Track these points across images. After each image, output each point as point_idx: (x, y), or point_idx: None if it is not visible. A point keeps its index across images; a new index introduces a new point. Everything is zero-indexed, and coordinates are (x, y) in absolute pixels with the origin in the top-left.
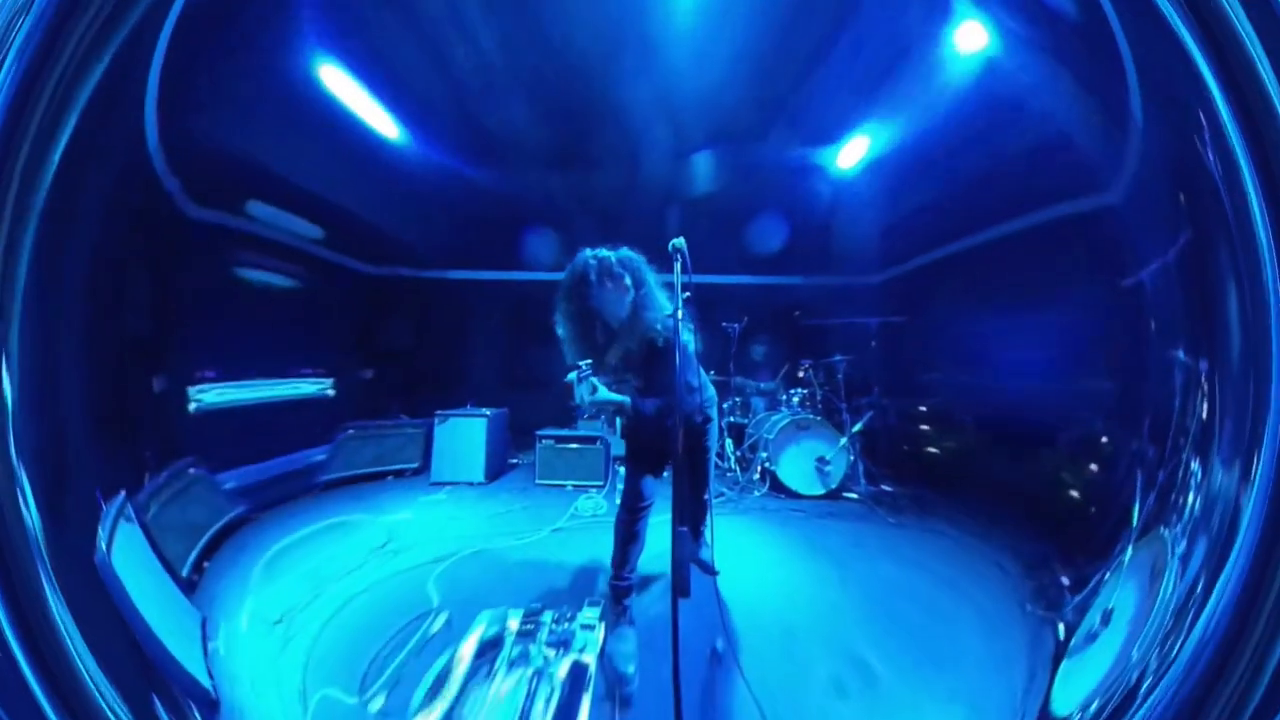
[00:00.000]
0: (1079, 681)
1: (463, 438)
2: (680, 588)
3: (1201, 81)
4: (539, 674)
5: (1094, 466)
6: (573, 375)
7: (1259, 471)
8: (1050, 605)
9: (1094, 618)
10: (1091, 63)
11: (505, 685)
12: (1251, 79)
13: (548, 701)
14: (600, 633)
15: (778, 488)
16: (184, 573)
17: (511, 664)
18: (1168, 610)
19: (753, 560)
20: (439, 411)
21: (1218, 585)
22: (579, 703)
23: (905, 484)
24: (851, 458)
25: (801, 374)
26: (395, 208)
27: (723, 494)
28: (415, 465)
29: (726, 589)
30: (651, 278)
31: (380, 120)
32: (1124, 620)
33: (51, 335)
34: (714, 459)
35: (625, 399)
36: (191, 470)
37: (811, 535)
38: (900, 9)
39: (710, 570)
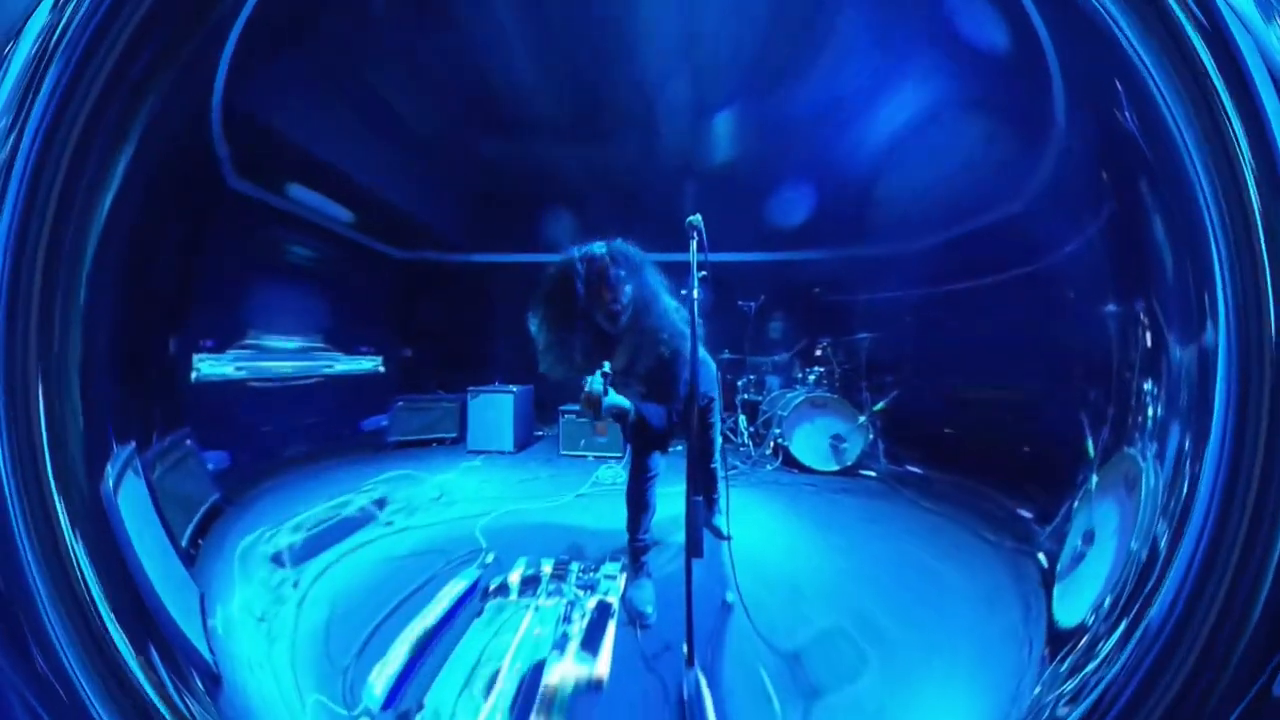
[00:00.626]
0: (1080, 592)
1: (492, 412)
2: (694, 550)
3: (1120, 50)
4: (571, 604)
5: (1049, 413)
6: (596, 379)
7: (1220, 341)
8: (1023, 539)
9: (1075, 541)
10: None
11: (547, 603)
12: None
13: (581, 619)
14: (621, 581)
15: (790, 463)
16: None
17: (549, 594)
18: (1157, 497)
19: (764, 528)
20: (470, 388)
21: (1206, 453)
22: (606, 624)
23: (932, 464)
24: (870, 436)
25: (819, 352)
26: (422, 192)
27: (736, 467)
28: (454, 435)
29: (737, 552)
30: (652, 274)
31: (404, 103)
32: (1109, 531)
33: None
34: (719, 432)
35: (629, 406)
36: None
37: (822, 508)
38: None
39: (722, 536)
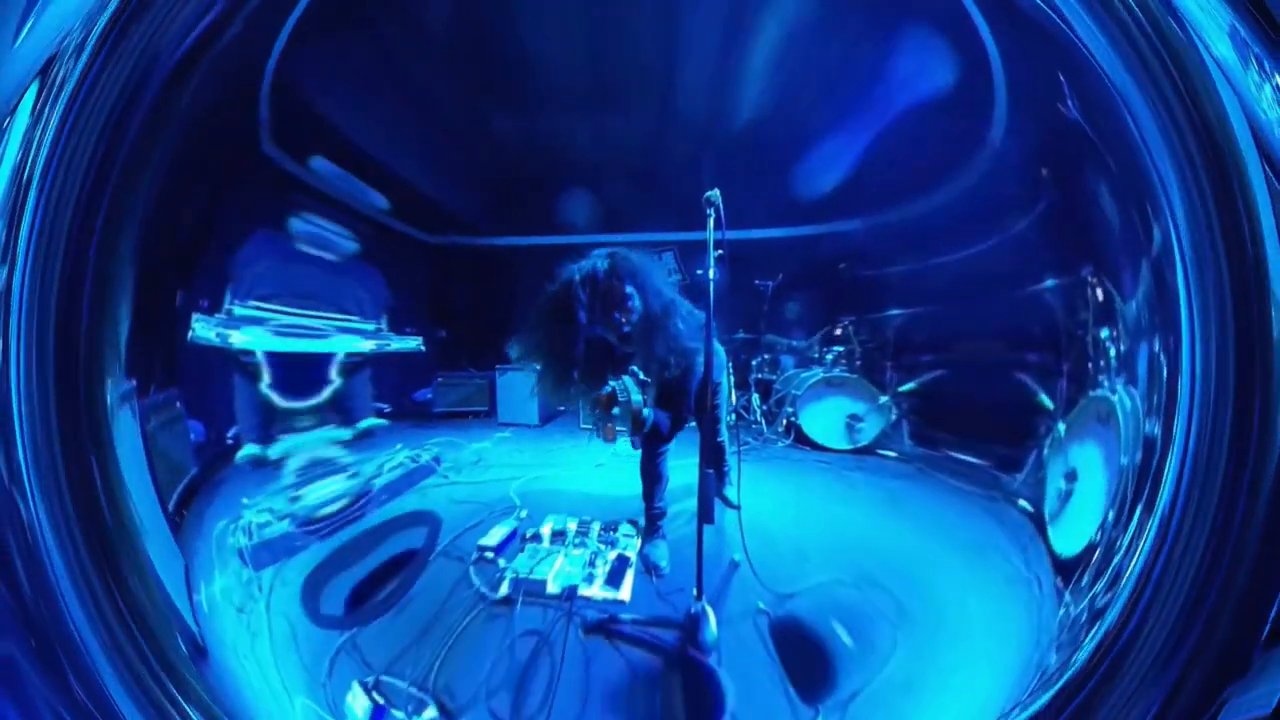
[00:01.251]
0: (1079, 519)
1: (519, 388)
2: (706, 517)
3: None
4: (595, 554)
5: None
6: (634, 391)
7: (1175, 243)
8: (998, 488)
9: (1056, 482)
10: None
11: (575, 552)
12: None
13: (604, 566)
14: (638, 541)
15: (802, 441)
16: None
17: (575, 545)
18: (1140, 413)
19: (772, 499)
20: (498, 366)
21: (1181, 350)
22: (625, 570)
23: (968, 447)
24: (894, 416)
25: (839, 331)
26: (446, 177)
27: (748, 443)
28: (485, 409)
29: (746, 520)
30: (660, 280)
31: (432, 86)
32: (1094, 463)
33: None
34: (725, 410)
35: (648, 414)
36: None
37: (833, 483)
38: None
39: (731, 505)
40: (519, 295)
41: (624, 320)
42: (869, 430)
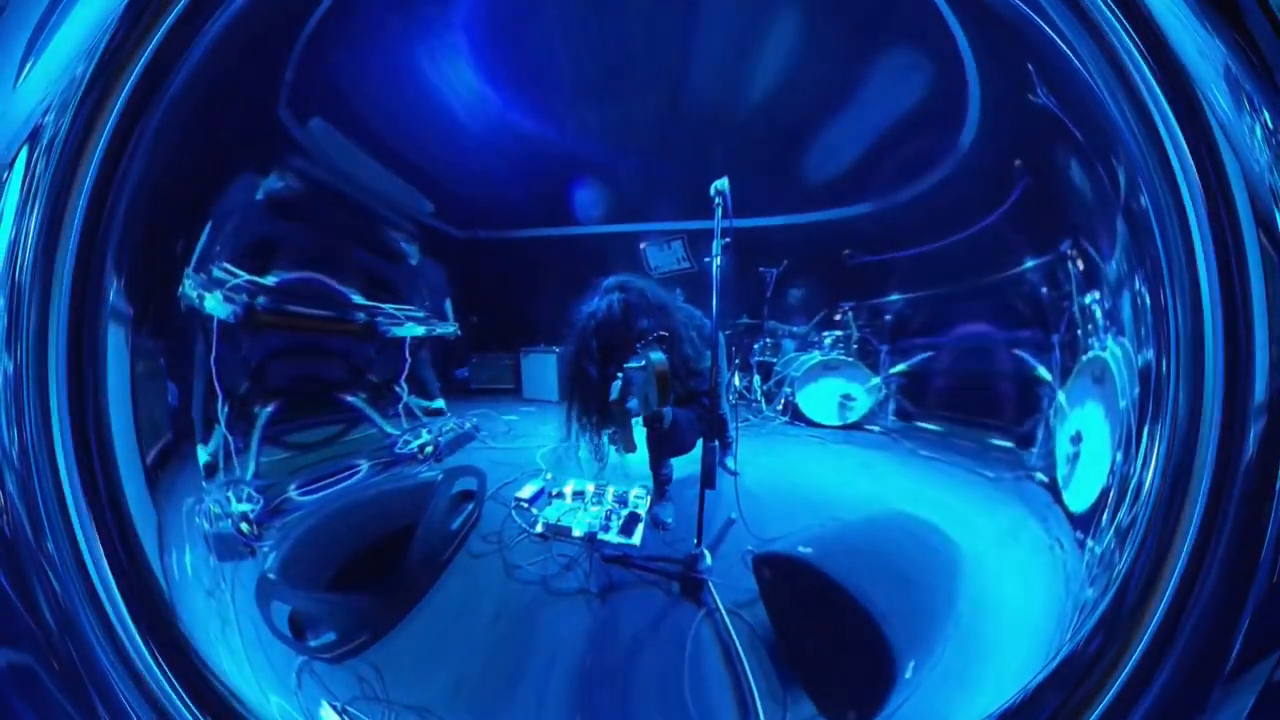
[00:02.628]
0: (1088, 473)
1: (540, 368)
2: (708, 483)
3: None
4: (610, 511)
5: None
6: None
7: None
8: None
9: (1064, 446)
10: None
11: (594, 509)
12: None
13: (618, 520)
14: (647, 501)
15: (798, 418)
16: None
17: (593, 503)
18: (1132, 353)
19: (767, 468)
20: (522, 348)
21: (1164, 295)
22: (636, 525)
23: (946, 420)
24: (882, 395)
25: (839, 317)
26: (467, 175)
27: (747, 419)
28: (511, 386)
29: (741, 485)
30: (677, 311)
31: (454, 85)
32: (1097, 418)
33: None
34: (727, 388)
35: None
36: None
37: (823, 454)
38: None
39: (731, 472)
40: (539, 283)
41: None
42: (859, 409)
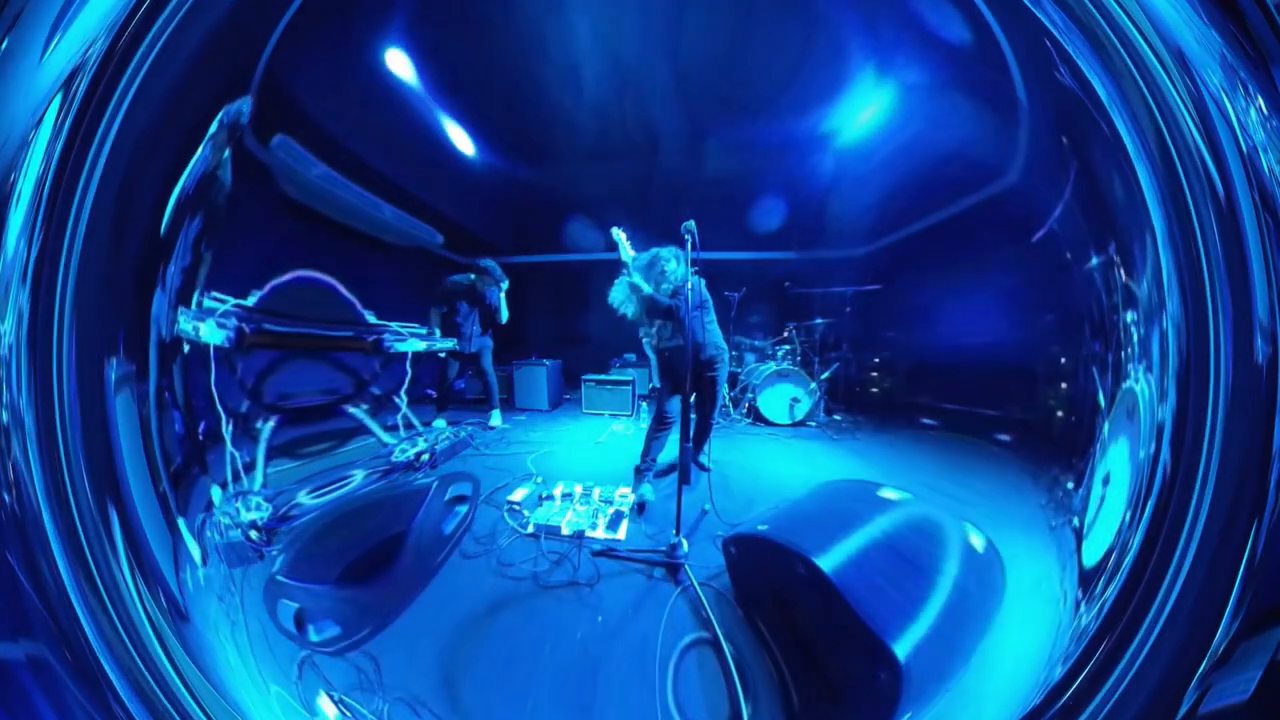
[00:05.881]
0: (1106, 525)
1: (531, 380)
2: (684, 479)
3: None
4: (597, 510)
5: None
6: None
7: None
8: (1061, 509)
9: (1096, 491)
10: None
11: (580, 509)
12: None
13: (605, 517)
14: (631, 498)
15: (759, 419)
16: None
17: (581, 503)
18: (1153, 404)
19: (734, 464)
20: (515, 361)
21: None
22: (621, 520)
23: (855, 415)
24: (818, 397)
25: (786, 334)
26: (469, 208)
27: (718, 422)
28: (504, 396)
29: (714, 479)
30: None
31: (457, 132)
32: (1121, 463)
33: None
34: (721, 394)
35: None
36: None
37: (778, 448)
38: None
39: (704, 468)
40: (532, 303)
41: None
42: (802, 409)
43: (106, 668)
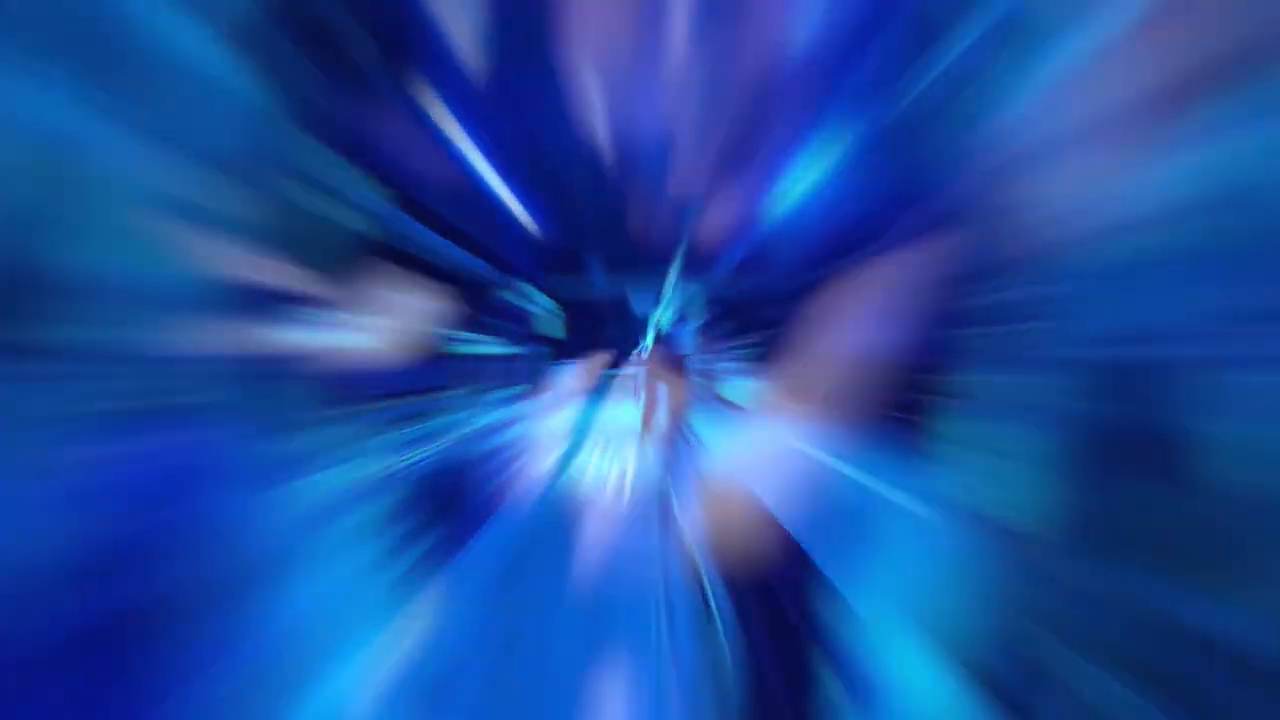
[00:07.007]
0: None
1: (564, 375)
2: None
3: None
4: (610, 466)
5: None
6: None
7: None
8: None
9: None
10: None
11: (601, 459)
12: None
13: (618, 465)
14: (633, 456)
15: (726, 403)
16: None
17: (597, 461)
18: None
19: (712, 433)
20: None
21: None
22: (626, 474)
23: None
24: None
25: (744, 342)
26: (508, 255)
27: (697, 404)
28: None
29: (698, 444)
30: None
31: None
32: None
33: None
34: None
35: None
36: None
37: (735, 421)
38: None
39: (694, 437)
40: (549, 326)
41: None
42: (745, 395)
43: None
